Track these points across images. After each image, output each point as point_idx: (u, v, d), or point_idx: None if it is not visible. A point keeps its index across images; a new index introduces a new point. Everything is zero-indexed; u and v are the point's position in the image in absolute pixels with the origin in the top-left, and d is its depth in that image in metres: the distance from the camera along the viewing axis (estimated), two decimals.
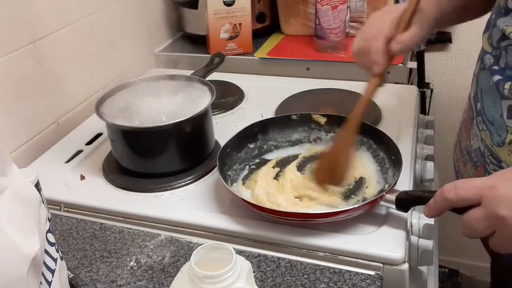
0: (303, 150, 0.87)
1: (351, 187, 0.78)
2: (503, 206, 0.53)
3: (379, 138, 0.83)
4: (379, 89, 0.76)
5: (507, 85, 0.66)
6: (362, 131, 0.83)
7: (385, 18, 0.76)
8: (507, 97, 0.66)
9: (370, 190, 0.77)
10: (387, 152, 0.81)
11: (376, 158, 0.82)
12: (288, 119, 0.89)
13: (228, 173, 0.80)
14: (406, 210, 0.70)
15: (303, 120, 0.88)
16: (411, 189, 0.79)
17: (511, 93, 0.65)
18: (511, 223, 0.53)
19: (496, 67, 0.69)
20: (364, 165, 0.82)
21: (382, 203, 0.71)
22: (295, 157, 0.86)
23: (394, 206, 0.70)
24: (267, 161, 0.85)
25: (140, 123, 0.81)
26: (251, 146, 0.86)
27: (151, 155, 0.83)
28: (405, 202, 0.69)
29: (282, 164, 0.84)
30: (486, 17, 0.76)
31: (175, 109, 0.83)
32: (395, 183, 0.72)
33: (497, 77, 0.68)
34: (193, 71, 1.11)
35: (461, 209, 0.58)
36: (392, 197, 0.69)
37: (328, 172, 0.76)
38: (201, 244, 0.69)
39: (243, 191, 0.78)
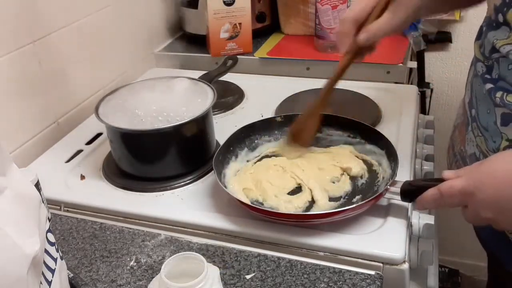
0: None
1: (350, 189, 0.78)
2: (486, 210, 0.60)
3: (368, 134, 0.84)
4: (350, 67, 0.77)
5: (498, 94, 0.67)
6: (352, 130, 0.85)
7: (362, 2, 0.74)
8: (499, 104, 0.67)
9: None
10: (379, 147, 0.81)
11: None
12: (273, 121, 0.89)
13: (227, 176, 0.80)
14: (411, 200, 0.70)
15: (289, 121, 0.88)
16: None
17: (502, 102, 0.66)
18: (499, 222, 0.61)
19: (488, 76, 0.69)
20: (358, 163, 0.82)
21: (387, 195, 0.71)
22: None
23: (399, 198, 0.70)
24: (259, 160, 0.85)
25: (139, 125, 0.81)
26: (242, 152, 0.85)
27: (150, 158, 0.83)
28: (410, 192, 0.69)
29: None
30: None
31: (175, 111, 0.83)
32: (395, 174, 0.72)
33: (488, 86, 0.68)
34: (198, 71, 1.11)
35: None
36: (396, 189, 0.70)
37: (297, 133, 0.83)
38: (201, 244, 0.69)
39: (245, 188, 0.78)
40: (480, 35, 0.73)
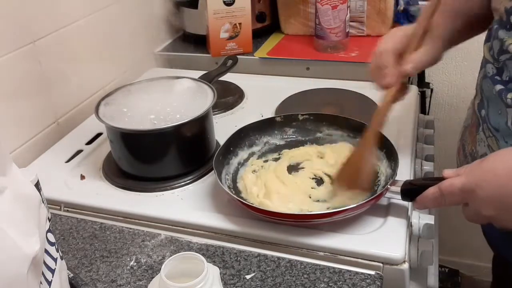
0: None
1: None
2: (488, 208, 0.59)
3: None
4: (396, 103, 0.75)
5: (509, 95, 0.66)
6: (352, 130, 0.85)
7: (396, 34, 0.75)
8: (510, 105, 0.66)
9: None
10: (379, 147, 0.81)
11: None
12: (273, 121, 0.89)
13: (227, 177, 0.80)
14: (412, 200, 0.70)
15: (289, 121, 0.88)
16: None
17: None
18: (500, 220, 0.60)
19: (498, 78, 0.69)
20: None
21: (387, 194, 0.71)
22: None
23: (399, 197, 0.70)
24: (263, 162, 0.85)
25: (139, 125, 0.81)
26: (242, 152, 0.85)
27: (150, 158, 0.83)
28: (411, 191, 0.69)
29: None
30: None
31: (175, 111, 0.83)
32: (396, 173, 0.72)
33: (499, 87, 0.68)
34: (198, 71, 1.11)
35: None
36: (396, 188, 0.70)
37: (351, 178, 0.75)
38: (201, 244, 0.69)
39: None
40: (489, 38, 0.73)
